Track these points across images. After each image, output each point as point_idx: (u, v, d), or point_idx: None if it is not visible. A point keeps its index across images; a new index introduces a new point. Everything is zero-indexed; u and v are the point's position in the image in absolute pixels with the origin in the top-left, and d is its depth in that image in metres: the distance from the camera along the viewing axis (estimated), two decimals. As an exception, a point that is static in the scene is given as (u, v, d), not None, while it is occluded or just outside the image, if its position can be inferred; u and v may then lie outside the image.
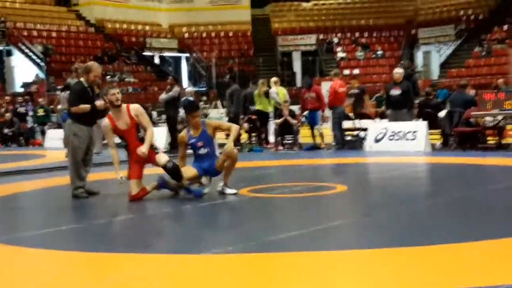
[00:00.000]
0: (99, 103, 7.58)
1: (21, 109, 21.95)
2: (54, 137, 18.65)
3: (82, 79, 7.76)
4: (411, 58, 36.08)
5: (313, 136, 14.20)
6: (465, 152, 11.61)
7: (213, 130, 7.39)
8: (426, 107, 13.42)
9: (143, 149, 7.11)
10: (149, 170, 7.61)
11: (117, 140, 7.52)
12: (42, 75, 30.41)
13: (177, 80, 23.68)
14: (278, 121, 14.28)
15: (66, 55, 33.12)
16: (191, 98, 15.97)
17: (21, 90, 29.63)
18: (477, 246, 4.31)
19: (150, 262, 4.29)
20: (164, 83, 20.26)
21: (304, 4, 41.42)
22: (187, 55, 38.21)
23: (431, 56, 37.12)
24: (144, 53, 36.87)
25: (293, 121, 14.23)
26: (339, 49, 37.14)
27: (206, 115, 22.68)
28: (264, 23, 39.83)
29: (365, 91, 15.04)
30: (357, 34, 38.30)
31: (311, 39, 38.22)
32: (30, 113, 21.88)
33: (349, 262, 4.11)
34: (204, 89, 34.08)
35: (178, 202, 6.88)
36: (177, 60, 38.90)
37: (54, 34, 34.29)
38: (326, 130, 14.46)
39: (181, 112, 15.65)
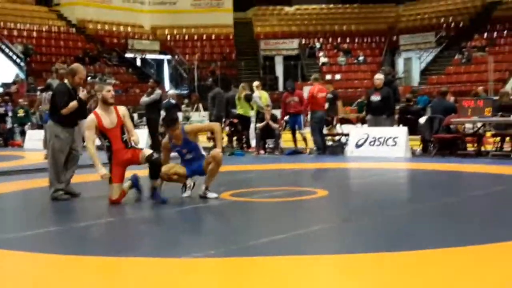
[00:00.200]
0: (83, 94, 7.54)
1: (0, 110, 21.70)
2: (34, 138, 18.51)
3: (66, 81, 7.71)
4: (392, 64, 36.32)
5: (295, 140, 14.23)
6: (444, 158, 11.72)
7: (195, 135, 7.39)
8: (407, 113, 13.52)
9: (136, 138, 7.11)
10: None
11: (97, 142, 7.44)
12: (22, 75, 30.13)
13: (159, 83, 23.58)
14: (260, 125, 14.30)
15: (47, 55, 32.86)
16: (173, 101, 15.96)
17: (0, 90, 29.33)
18: (455, 252, 4.35)
19: (131, 266, 4.28)
20: (146, 85, 20.18)
21: (287, 9, 41.55)
22: (169, 57, 38.12)
23: (412, 63, 37.42)
24: (126, 55, 36.71)
25: (275, 125, 14.25)
26: (321, 54, 37.30)
27: (188, 118, 22.63)
28: (247, 27, 39.88)
29: (338, 96, 15.06)
30: (339, 40, 38.50)
31: (294, 43, 38.34)
32: (10, 113, 21.65)
33: (329, 267, 4.13)
34: (186, 92, 34.01)
35: (159, 206, 6.85)
36: (159, 62, 38.78)
37: (34, 34, 34.01)
38: (308, 134, 14.51)
39: (163, 114, 15.61)
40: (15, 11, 34.89)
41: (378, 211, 6.31)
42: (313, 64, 36.85)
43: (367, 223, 5.64)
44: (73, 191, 7.69)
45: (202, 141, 8.51)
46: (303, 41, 38.41)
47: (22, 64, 30.63)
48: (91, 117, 7.15)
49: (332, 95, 14.54)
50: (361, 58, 36.84)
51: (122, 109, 7.30)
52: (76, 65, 7.96)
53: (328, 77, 35.30)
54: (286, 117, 14.35)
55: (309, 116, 14.23)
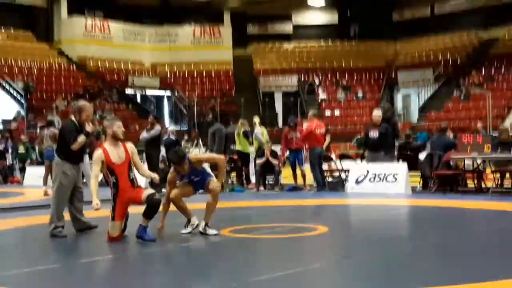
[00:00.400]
0: (89, 127, 7.63)
1: (0, 147, 21.72)
2: (33, 175, 18.49)
3: (72, 118, 7.78)
4: (391, 100, 36.50)
5: (295, 176, 14.22)
6: (445, 194, 11.69)
7: (200, 164, 7.38)
8: (406, 150, 13.55)
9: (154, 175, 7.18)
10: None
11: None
12: (22, 112, 30.23)
13: (158, 119, 23.70)
14: (260, 161, 14.30)
15: (47, 92, 32.98)
16: (173, 137, 16.01)
17: (0, 127, 29.40)
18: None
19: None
20: (145, 122, 20.23)
21: (286, 45, 41.91)
22: (169, 93, 38.31)
23: (411, 99, 37.60)
24: (126, 91, 36.88)
25: (275, 162, 14.26)
26: (320, 90, 37.50)
27: (187, 154, 22.63)
28: (246, 63, 40.14)
29: (328, 131, 15.09)
30: (338, 76, 38.75)
31: (293, 80, 38.56)
32: (10, 150, 21.66)
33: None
34: (185, 128, 34.09)
35: (158, 243, 6.81)
36: (159, 98, 38.97)
37: (35, 71, 34.20)
38: (307, 170, 14.50)
39: (162, 151, 15.64)
40: (16, 48, 35.15)
41: (378, 248, 6.27)
42: (312, 100, 37.02)
43: (368, 260, 5.61)
44: (91, 225, 7.83)
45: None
46: (302, 77, 38.65)
47: (22, 101, 30.75)
48: (99, 152, 7.07)
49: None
50: (360, 94, 37.03)
51: (130, 146, 7.28)
52: (83, 103, 8.06)
53: (328, 113, 35.50)
54: (287, 153, 14.37)
55: (304, 151, 14.24)
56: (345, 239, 7.32)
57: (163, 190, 12.18)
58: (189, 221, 7.42)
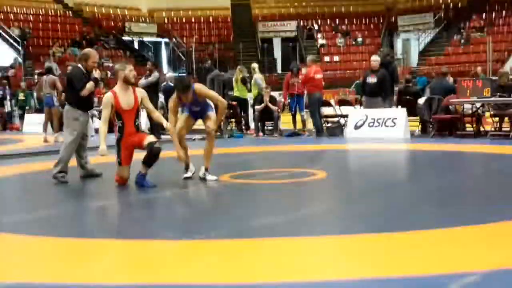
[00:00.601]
0: (97, 73, 7.75)
1: (-2, 94, 21.65)
2: (33, 122, 18.50)
3: (79, 65, 7.79)
4: (391, 45, 36.23)
5: (294, 122, 14.23)
6: (443, 139, 11.72)
7: (204, 97, 7.32)
8: (406, 94, 13.52)
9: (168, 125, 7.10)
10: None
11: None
12: (19, 59, 30.01)
13: (157, 66, 23.48)
14: (259, 107, 14.28)
15: (44, 38, 32.70)
16: (171, 84, 15.91)
17: (-1, 74, 29.24)
18: (455, 232, 4.36)
19: (131, 248, 4.29)
20: (144, 68, 20.11)
21: (285, -10, 41.31)
22: (167, 40, 37.95)
23: (411, 44, 37.31)
24: (123, 38, 36.53)
25: (274, 108, 14.23)
26: (319, 36, 37.15)
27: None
28: (245, 9, 39.65)
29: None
30: (337, 21, 38.32)
31: (291, 25, 38.16)
32: (8, 97, 21.58)
33: (330, 248, 4.15)
34: (183, 74, 33.91)
35: (159, 188, 6.85)
36: (157, 45, 38.62)
37: (31, 18, 33.80)
38: (306, 116, 14.50)
39: (161, 97, 15.58)
40: (11, -6, 34.65)
41: (377, 192, 6.32)
42: (311, 46, 36.72)
43: (366, 204, 5.66)
44: (95, 172, 7.90)
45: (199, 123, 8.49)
46: (301, 23, 38.24)
47: (19, 47, 30.50)
48: (109, 95, 7.08)
49: None
50: (359, 39, 36.71)
51: (140, 91, 7.29)
52: (88, 50, 8.18)
53: (327, 58, 35.27)
54: (288, 99, 14.31)
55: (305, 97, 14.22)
56: (343, 183, 7.37)
57: (162, 136, 12.23)
58: (187, 165, 7.43)
